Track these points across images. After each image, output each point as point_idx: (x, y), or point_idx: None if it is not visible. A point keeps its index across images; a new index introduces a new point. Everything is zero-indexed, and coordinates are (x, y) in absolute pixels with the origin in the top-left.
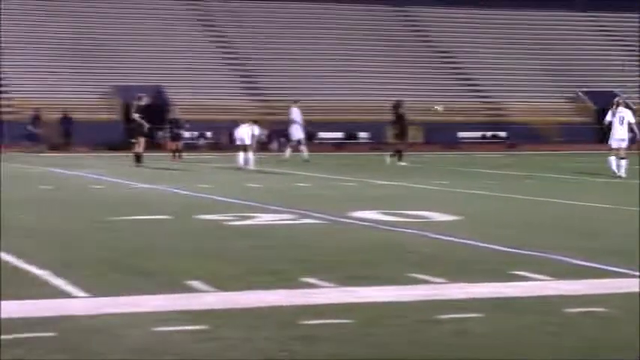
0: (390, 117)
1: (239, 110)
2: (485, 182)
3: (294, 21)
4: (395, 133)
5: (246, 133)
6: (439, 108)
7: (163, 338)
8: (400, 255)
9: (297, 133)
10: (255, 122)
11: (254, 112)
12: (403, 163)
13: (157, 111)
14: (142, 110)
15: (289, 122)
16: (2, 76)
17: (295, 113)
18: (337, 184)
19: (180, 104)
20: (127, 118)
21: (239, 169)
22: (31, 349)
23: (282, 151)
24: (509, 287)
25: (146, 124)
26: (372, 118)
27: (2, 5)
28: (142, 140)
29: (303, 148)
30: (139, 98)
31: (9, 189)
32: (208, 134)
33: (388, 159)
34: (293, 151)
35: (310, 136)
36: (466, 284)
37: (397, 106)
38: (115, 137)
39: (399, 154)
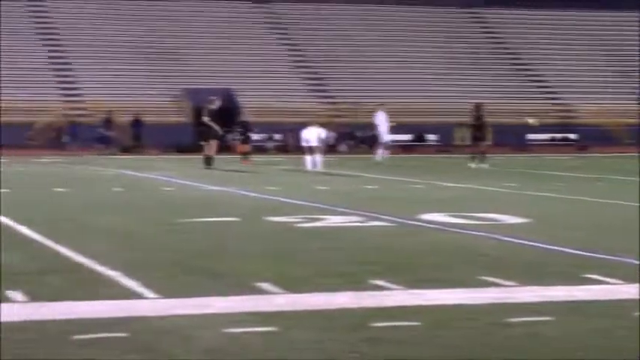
0: (469, 119)
1: (307, 113)
2: (555, 184)
3: (362, 23)
4: (474, 135)
5: (313, 135)
6: (532, 121)
7: (234, 339)
8: (470, 257)
9: (382, 135)
10: (322, 125)
11: (322, 114)
12: (482, 165)
13: (227, 114)
14: (213, 113)
15: (374, 125)
16: (75, 79)
17: (380, 116)
18: (405, 187)
19: (250, 107)
20: (198, 120)
21: (307, 171)
22: (106, 349)
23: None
24: (581, 290)
25: (217, 127)
26: (440, 120)
27: (75, 9)
28: (213, 143)
29: (380, 151)
30: (211, 101)
31: (83, 191)
32: (277, 137)
33: (476, 163)
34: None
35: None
36: (537, 287)
37: (477, 108)
38: (185, 139)
39: (478, 155)
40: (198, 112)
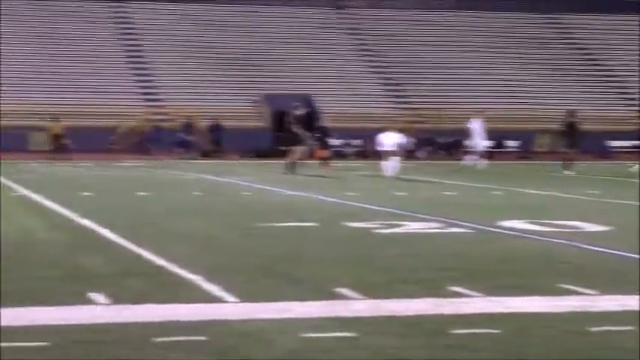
0: (560, 126)
1: (386, 118)
2: (637, 192)
3: (441, 29)
4: (566, 142)
5: (391, 140)
6: (634, 168)
7: (313, 344)
8: (550, 265)
9: (477, 143)
10: (400, 131)
11: (401, 119)
12: (568, 172)
13: (307, 119)
14: (299, 119)
15: (470, 132)
16: (156, 84)
17: (476, 124)
18: (485, 193)
19: (328, 112)
20: (281, 126)
21: (385, 176)
22: (186, 352)
23: (433, 159)
24: None
25: (305, 132)
26: (520, 127)
27: (157, 15)
28: (297, 149)
29: (470, 157)
30: (297, 107)
31: (164, 195)
32: (355, 142)
33: (565, 171)
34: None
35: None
36: (618, 296)
37: (570, 115)
38: (264, 144)
39: (568, 162)
40: (280, 118)
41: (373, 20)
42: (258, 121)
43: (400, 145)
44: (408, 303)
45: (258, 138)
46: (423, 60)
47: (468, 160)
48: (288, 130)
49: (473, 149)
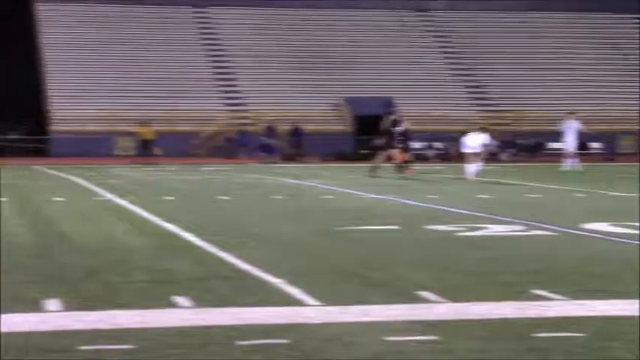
0: None
1: (468, 121)
2: None
3: (522, 31)
4: None
5: (474, 142)
6: None
7: (395, 348)
8: (634, 268)
9: (569, 144)
10: (485, 131)
11: (483, 122)
12: None
13: (397, 123)
14: (393, 124)
15: (563, 133)
16: (238, 89)
17: (570, 124)
18: (568, 195)
19: (409, 115)
20: (372, 130)
21: (468, 179)
22: (269, 355)
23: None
24: None
25: (398, 136)
26: (603, 128)
27: (236, 20)
28: (390, 153)
29: (570, 161)
30: (390, 112)
31: (246, 199)
32: (437, 145)
33: None
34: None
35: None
36: None
37: None
38: (345, 148)
39: None
40: (375, 122)
41: (455, 22)
42: (339, 124)
43: (485, 147)
44: (491, 306)
45: (339, 141)
46: (504, 62)
47: (572, 163)
48: (385, 134)
49: (566, 151)
